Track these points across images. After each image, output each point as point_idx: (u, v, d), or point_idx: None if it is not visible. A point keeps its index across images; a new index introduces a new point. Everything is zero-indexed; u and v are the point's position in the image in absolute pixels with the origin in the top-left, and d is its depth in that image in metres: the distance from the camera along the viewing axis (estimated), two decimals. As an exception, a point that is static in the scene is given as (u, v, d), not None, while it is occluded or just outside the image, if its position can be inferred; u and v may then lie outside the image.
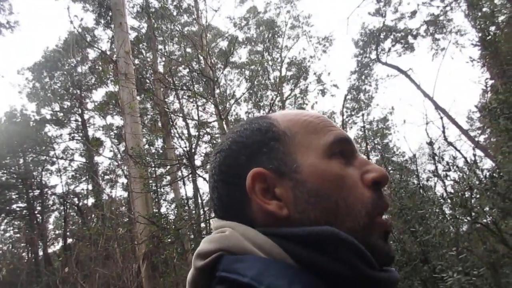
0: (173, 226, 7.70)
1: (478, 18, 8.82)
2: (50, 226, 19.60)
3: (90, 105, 18.99)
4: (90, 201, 17.56)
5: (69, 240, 16.39)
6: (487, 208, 5.10)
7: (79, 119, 18.85)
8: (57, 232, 18.90)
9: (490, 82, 8.99)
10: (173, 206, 14.44)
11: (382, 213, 0.62)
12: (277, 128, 0.66)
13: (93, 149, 15.68)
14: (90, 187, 17.68)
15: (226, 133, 0.72)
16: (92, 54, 18.88)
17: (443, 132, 9.04)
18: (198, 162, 10.98)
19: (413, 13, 16.91)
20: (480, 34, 8.96)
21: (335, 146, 0.63)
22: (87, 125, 18.71)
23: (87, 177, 17.80)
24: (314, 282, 0.53)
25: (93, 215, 13.51)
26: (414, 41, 17.35)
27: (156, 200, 14.21)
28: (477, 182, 5.15)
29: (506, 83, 5.50)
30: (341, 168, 0.62)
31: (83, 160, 18.73)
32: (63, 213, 18.05)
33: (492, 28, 8.80)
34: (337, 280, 0.54)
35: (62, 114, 18.99)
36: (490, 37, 8.08)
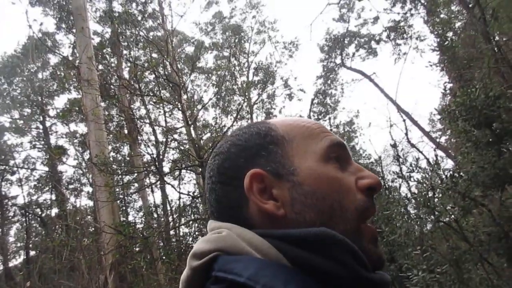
0: (141, 235, 7.56)
1: (436, 24, 9.18)
2: (11, 239, 18.79)
3: (52, 112, 18.39)
4: (54, 211, 16.96)
5: (32, 253, 15.76)
6: (449, 207, 5.28)
7: (41, 127, 18.20)
8: (18, 244, 18.12)
9: (449, 85, 9.36)
10: (140, 214, 14.15)
11: (369, 218, 0.65)
12: (276, 133, 0.68)
13: (55, 157, 15.16)
14: (53, 197, 17.08)
15: (225, 137, 0.74)
16: (53, 59, 18.33)
17: (406, 134, 9.34)
18: (166, 169, 10.84)
19: (375, 19, 17.43)
20: (438, 40, 9.32)
21: (331, 150, 0.66)
22: (49, 132, 18.09)
23: (50, 186, 17.19)
24: (309, 282, 0.54)
25: (57, 226, 13.06)
26: (377, 46, 17.88)
27: (123, 208, 13.88)
28: (439, 182, 5.32)
29: (464, 87, 5.73)
30: (337, 172, 0.64)
31: (46, 169, 18.08)
32: (25, 224, 17.34)
33: (450, 34, 9.18)
34: (333, 280, 0.55)
35: (22, 121, 18.27)
36: (447, 42, 8.42)
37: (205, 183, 0.72)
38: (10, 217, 18.15)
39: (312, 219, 0.60)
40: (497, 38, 8.03)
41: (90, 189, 15.21)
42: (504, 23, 8.09)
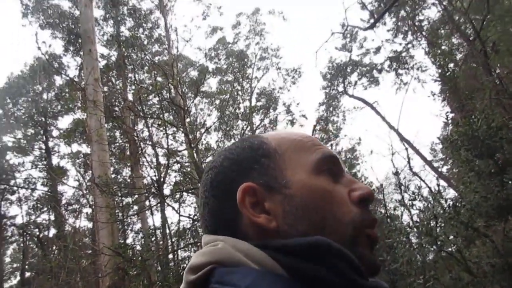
0: (140, 257, 7.47)
1: (438, 55, 9.32)
2: (7, 259, 18.54)
3: (55, 133, 18.48)
4: (52, 232, 16.80)
5: (28, 274, 15.52)
6: (451, 237, 5.24)
7: (43, 147, 18.25)
8: (14, 265, 17.88)
9: (451, 115, 9.43)
10: (140, 236, 14.01)
11: (371, 226, 0.65)
12: (268, 146, 0.68)
13: (56, 177, 15.14)
14: (52, 217, 16.95)
15: (218, 152, 0.74)
16: (59, 80, 18.54)
17: (408, 162, 9.34)
18: (167, 191, 10.81)
19: (378, 49, 17.70)
20: (440, 70, 9.45)
21: (323, 163, 0.66)
22: (52, 153, 18.13)
23: (49, 207, 17.08)
24: None
25: (54, 247, 12.91)
26: (379, 75, 18.08)
27: (123, 230, 13.76)
28: (441, 211, 5.30)
29: (466, 117, 5.78)
30: (329, 184, 0.65)
31: (46, 189, 18.02)
32: (22, 245, 17.15)
33: (451, 65, 9.32)
34: None
35: (25, 141, 18.34)
36: (449, 73, 8.54)
37: (199, 198, 0.72)
38: (8, 237, 17.98)
39: (305, 231, 0.60)
40: (498, 70, 8.16)
41: (89, 210, 15.11)
42: (504, 56, 8.23)
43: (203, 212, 0.70)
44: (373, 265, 0.63)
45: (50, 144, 18.23)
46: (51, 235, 16.47)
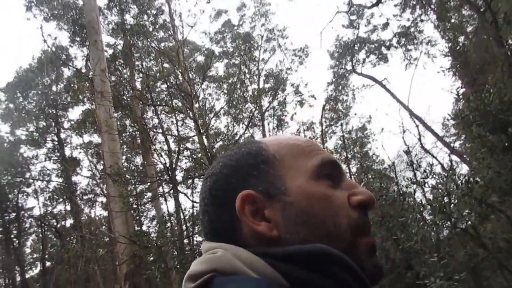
0: (155, 244, 7.58)
1: (447, 29, 9.11)
2: (28, 250, 19.00)
3: (66, 124, 18.66)
4: (69, 222, 17.14)
5: (48, 264, 15.91)
6: (465, 213, 5.20)
7: (56, 139, 18.47)
8: (34, 256, 18.32)
9: (462, 90, 9.26)
10: (154, 223, 14.21)
11: (367, 233, 0.64)
12: (267, 152, 0.68)
13: (70, 168, 15.34)
14: (68, 207, 17.27)
15: (217, 158, 0.73)
16: (67, 72, 18.63)
17: (419, 140, 9.24)
18: (178, 178, 10.89)
19: (385, 25, 17.36)
20: (449, 45, 9.25)
21: (322, 168, 0.65)
22: (64, 144, 18.35)
23: (64, 197, 17.38)
24: None
25: (72, 237, 13.17)
26: (388, 52, 17.78)
27: (137, 218, 13.96)
28: (454, 188, 5.25)
29: (477, 91, 5.67)
30: (328, 189, 0.64)
31: (60, 180, 18.30)
32: (40, 235, 17.54)
33: (461, 39, 9.10)
34: None
35: (37, 134, 18.56)
36: (459, 47, 8.35)
37: (199, 205, 0.71)
38: (26, 229, 18.39)
39: (305, 238, 0.60)
40: (510, 42, 7.94)
41: (104, 199, 15.34)
42: (516, 27, 8.00)
43: (203, 219, 0.69)
44: (375, 271, 0.62)
45: (62, 135, 18.45)
46: (68, 225, 16.81)
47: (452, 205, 5.32)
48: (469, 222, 5.14)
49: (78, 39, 16.45)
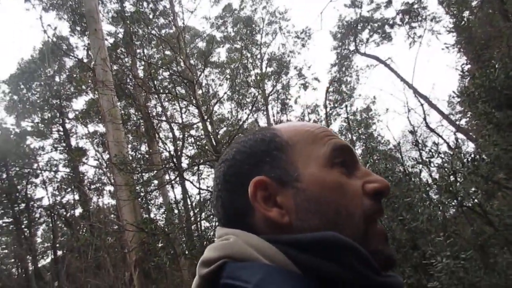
0: (163, 231, 7.65)
1: (452, 4, 8.93)
2: (39, 240, 19.32)
3: (71, 115, 18.73)
4: (78, 211, 17.35)
5: (59, 252, 16.16)
6: (471, 191, 5.17)
7: (61, 129, 18.56)
8: (46, 245, 18.62)
9: (467, 67, 9.12)
10: (162, 210, 14.34)
11: (377, 220, 0.64)
12: (280, 138, 0.68)
13: (76, 158, 15.44)
14: (76, 197, 17.45)
15: (231, 144, 0.74)
16: (69, 62, 18.61)
17: (425, 119, 9.16)
18: (184, 165, 10.92)
19: (388, 3, 17.10)
20: (454, 20, 9.09)
21: (335, 155, 0.65)
22: (70, 134, 18.45)
23: (72, 187, 17.56)
24: None
25: (81, 226, 13.34)
26: (391, 30, 17.55)
27: (145, 206, 14.08)
28: (460, 166, 5.21)
29: (482, 67, 5.58)
30: (341, 177, 0.64)
31: (68, 170, 18.46)
32: (51, 225, 17.79)
33: (466, 13, 8.93)
34: (341, 286, 0.55)
35: (43, 125, 18.67)
36: (464, 22, 8.20)
37: (212, 191, 0.72)
38: (36, 219, 18.66)
39: (317, 226, 0.60)
40: (515, 15, 7.76)
41: (111, 188, 15.46)
42: (522, -1, 7.81)
43: (217, 204, 0.70)
44: (388, 259, 0.62)
45: (68, 126, 18.56)
46: (77, 214, 17.02)
47: (458, 183, 5.28)
48: (476, 200, 5.11)
49: (78, 28, 16.36)
